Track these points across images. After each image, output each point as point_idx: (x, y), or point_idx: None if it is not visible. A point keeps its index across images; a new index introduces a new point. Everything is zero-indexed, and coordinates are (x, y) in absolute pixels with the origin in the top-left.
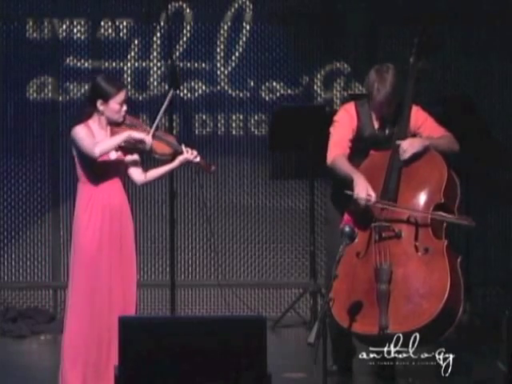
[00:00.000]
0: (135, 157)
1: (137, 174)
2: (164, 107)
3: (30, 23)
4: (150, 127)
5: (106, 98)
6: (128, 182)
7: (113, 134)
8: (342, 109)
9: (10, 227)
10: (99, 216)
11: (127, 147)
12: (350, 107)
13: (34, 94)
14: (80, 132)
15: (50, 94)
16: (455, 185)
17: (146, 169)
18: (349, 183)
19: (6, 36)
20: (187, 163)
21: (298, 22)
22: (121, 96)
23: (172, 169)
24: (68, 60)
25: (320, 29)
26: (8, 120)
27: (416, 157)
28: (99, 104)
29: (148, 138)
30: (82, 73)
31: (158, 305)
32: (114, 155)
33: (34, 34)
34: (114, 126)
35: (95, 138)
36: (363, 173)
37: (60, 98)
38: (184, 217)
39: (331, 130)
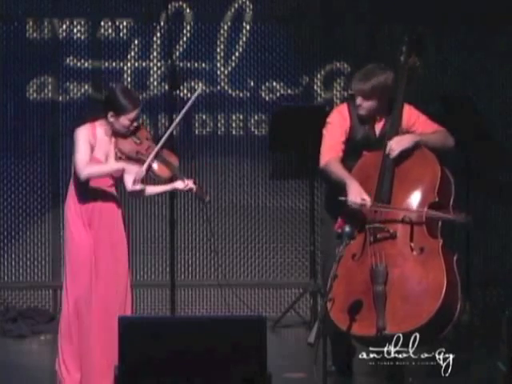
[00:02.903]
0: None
1: (130, 182)
2: (174, 124)
3: (30, 23)
4: (157, 144)
5: (118, 113)
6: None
7: (116, 143)
8: (335, 110)
9: (10, 227)
10: (90, 219)
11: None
12: (343, 108)
13: (34, 94)
14: (80, 138)
15: (50, 94)
16: (449, 182)
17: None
18: (342, 187)
19: (6, 36)
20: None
21: (298, 21)
22: (134, 114)
23: (164, 191)
24: (68, 60)
25: (320, 29)
26: (8, 120)
27: (408, 155)
28: (110, 116)
29: (138, 176)
30: (82, 73)
31: (158, 305)
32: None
33: (34, 34)
34: (120, 136)
35: (96, 142)
36: (357, 174)
37: (60, 98)
38: (184, 217)
39: (324, 131)
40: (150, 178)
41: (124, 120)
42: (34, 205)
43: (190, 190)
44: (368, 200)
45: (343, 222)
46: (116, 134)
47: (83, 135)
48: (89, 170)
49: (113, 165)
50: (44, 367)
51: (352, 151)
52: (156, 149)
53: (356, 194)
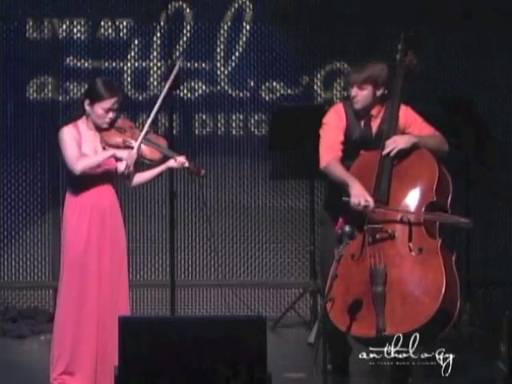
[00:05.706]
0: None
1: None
2: (158, 103)
3: (30, 23)
4: (142, 130)
5: (93, 100)
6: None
7: (101, 137)
8: (331, 110)
9: (10, 227)
10: (87, 217)
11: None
12: (339, 107)
13: (34, 94)
14: (66, 136)
15: (50, 94)
16: (447, 181)
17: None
18: (343, 188)
19: (6, 36)
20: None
21: (298, 21)
22: (107, 103)
23: (160, 173)
24: (68, 60)
25: (320, 29)
26: (8, 120)
27: (405, 155)
28: (86, 104)
29: (129, 160)
30: (82, 73)
31: (158, 305)
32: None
33: (34, 34)
34: (103, 130)
35: (82, 138)
36: (354, 174)
37: (60, 98)
38: (184, 217)
39: (321, 132)
40: (143, 164)
41: (98, 108)
42: (33, 205)
43: (184, 166)
44: (371, 201)
45: (344, 222)
46: (99, 128)
47: (67, 133)
48: (81, 163)
49: (104, 153)
50: (44, 367)
51: (349, 151)
52: (145, 129)
53: (359, 196)
